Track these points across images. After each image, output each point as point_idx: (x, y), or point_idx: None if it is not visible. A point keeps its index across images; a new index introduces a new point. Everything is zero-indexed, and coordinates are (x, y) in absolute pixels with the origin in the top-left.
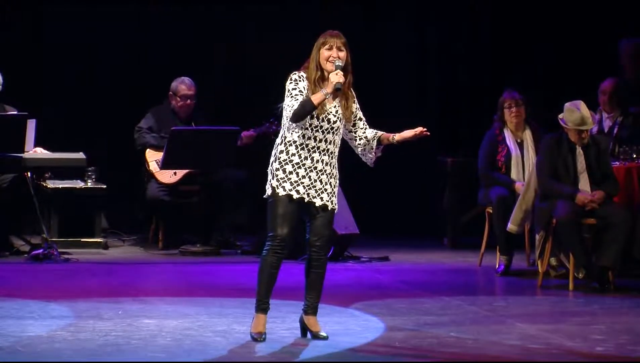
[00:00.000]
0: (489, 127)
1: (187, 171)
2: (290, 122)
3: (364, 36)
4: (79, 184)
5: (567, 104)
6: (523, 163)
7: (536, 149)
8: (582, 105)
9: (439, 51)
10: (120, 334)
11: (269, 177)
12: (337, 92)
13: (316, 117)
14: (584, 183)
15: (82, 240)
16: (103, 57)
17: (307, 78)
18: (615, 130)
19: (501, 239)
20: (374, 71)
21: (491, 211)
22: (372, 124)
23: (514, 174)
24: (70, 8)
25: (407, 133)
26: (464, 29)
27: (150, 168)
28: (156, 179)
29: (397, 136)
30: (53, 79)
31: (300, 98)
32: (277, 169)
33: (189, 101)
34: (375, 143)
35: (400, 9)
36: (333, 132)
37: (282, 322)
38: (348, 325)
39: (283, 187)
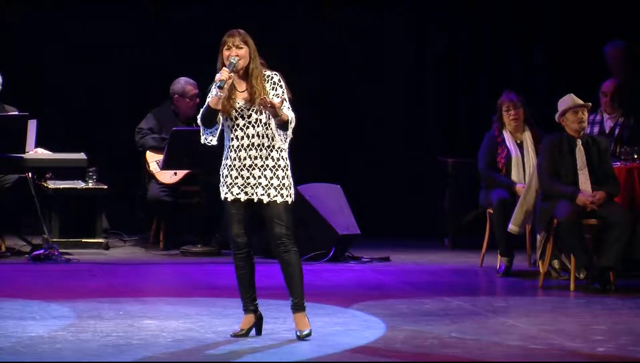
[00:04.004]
0: (489, 128)
1: (187, 171)
2: (202, 128)
3: (363, 37)
4: (80, 184)
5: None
6: (523, 164)
7: (536, 150)
8: (571, 94)
9: (439, 51)
10: (121, 334)
11: None
12: (220, 89)
13: (228, 117)
14: (584, 180)
15: (83, 240)
16: (103, 57)
17: None
18: (617, 131)
19: (501, 241)
20: (374, 71)
21: (492, 211)
22: (372, 123)
23: (514, 176)
24: (70, 8)
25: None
26: (464, 30)
27: (151, 168)
28: (157, 180)
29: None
30: (53, 79)
31: None
32: (220, 176)
33: (197, 100)
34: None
35: (400, 9)
36: (253, 126)
37: (283, 322)
38: (349, 326)
39: (222, 190)
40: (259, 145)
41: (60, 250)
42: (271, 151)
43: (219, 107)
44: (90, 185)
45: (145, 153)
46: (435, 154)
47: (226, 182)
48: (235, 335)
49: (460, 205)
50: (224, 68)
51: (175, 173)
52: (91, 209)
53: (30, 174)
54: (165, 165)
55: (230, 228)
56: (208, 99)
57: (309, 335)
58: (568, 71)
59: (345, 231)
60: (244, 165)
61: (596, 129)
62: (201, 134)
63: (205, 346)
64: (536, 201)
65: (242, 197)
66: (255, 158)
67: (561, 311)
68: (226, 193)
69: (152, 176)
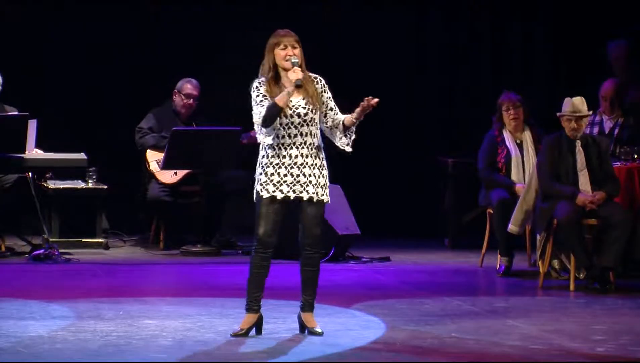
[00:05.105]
0: (489, 128)
1: (187, 171)
2: (260, 129)
3: (363, 37)
4: (80, 184)
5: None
6: (523, 163)
7: (536, 149)
8: (580, 98)
9: (439, 51)
10: (121, 334)
11: (255, 183)
12: (299, 88)
13: (284, 115)
14: (584, 181)
15: (83, 240)
16: (103, 57)
17: (265, 82)
18: (616, 131)
19: (501, 241)
20: (373, 71)
21: (492, 211)
22: (372, 123)
23: (514, 176)
24: (70, 8)
25: (359, 108)
26: (464, 30)
27: (151, 168)
28: (157, 180)
29: (355, 114)
30: (53, 79)
31: (266, 103)
32: (260, 174)
33: (191, 101)
34: (341, 127)
35: (400, 9)
36: (307, 125)
37: (283, 322)
38: (349, 325)
39: (267, 189)
40: (310, 144)
41: (60, 250)
42: (318, 150)
43: (286, 105)
44: (90, 185)
45: (145, 152)
46: (435, 154)
47: (272, 180)
48: (236, 335)
49: (460, 205)
50: (295, 67)
51: (175, 173)
52: (91, 209)
53: (30, 174)
54: (165, 165)
55: (260, 226)
56: (258, 100)
57: (321, 332)
58: (568, 70)
59: (345, 231)
60: (295, 163)
61: (596, 130)
62: (258, 133)
63: (205, 346)
64: (536, 201)
65: (292, 195)
66: (307, 156)
67: (561, 312)
68: (274, 191)
69: (152, 175)
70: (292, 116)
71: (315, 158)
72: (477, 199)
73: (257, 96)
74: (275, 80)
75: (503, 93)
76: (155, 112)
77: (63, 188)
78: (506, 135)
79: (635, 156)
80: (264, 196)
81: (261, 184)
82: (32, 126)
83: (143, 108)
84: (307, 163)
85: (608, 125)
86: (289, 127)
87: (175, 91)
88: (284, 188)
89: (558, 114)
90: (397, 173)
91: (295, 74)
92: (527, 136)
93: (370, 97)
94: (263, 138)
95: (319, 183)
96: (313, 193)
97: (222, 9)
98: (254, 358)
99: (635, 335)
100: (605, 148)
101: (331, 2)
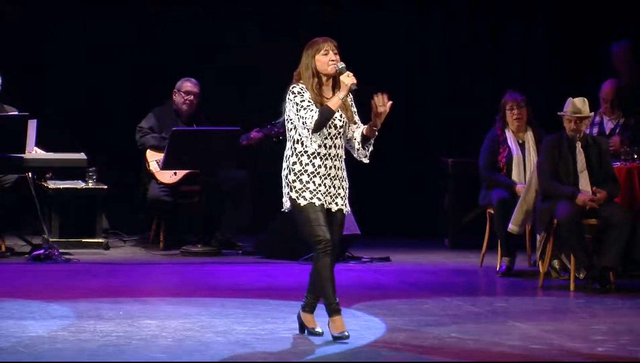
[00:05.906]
0: (490, 128)
1: (187, 171)
2: (310, 133)
3: (363, 37)
4: (80, 184)
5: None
6: (524, 164)
7: (538, 150)
8: (582, 98)
9: (439, 51)
10: (121, 334)
11: (286, 190)
12: (353, 92)
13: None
14: (584, 182)
15: (83, 240)
16: (103, 57)
17: (307, 88)
18: (617, 132)
19: (502, 241)
20: (374, 71)
21: (492, 211)
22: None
23: (514, 176)
24: (70, 8)
25: (374, 114)
26: (464, 30)
27: (151, 168)
28: (156, 180)
29: (372, 121)
30: (53, 79)
31: (313, 108)
32: (294, 181)
33: (192, 97)
34: (360, 138)
35: (400, 9)
36: (339, 137)
37: (283, 322)
38: (349, 326)
39: (304, 197)
40: (340, 156)
41: (60, 250)
42: (344, 163)
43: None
44: (90, 185)
45: (145, 152)
46: (435, 154)
47: (308, 188)
48: (347, 337)
49: (460, 205)
50: (348, 72)
51: (175, 173)
52: (91, 209)
53: (30, 174)
54: (165, 165)
55: (318, 229)
56: (304, 104)
57: (321, 332)
58: (568, 70)
59: (345, 231)
60: (329, 174)
61: (595, 130)
62: (307, 136)
63: (205, 346)
64: (536, 201)
65: (324, 205)
66: (338, 168)
67: (561, 312)
68: (311, 198)
69: (152, 175)
70: (329, 127)
71: (343, 171)
72: (477, 199)
73: (303, 100)
74: (318, 87)
75: (507, 93)
76: (156, 112)
77: (63, 188)
78: (508, 135)
79: (635, 156)
80: (303, 204)
81: (297, 191)
82: (32, 126)
83: (143, 108)
84: (337, 175)
85: (609, 126)
86: (326, 138)
87: (175, 90)
88: (319, 196)
89: (559, 113)
90: (397, 173)
91: (350, 78)
92: (529, 137)
93: (377, 94)
94: (307, 142)
95: (346, 195)
96: (342, 204)
97: (222, 9)
98: (253, 359)
99: (635, 335)
100: (605, 148)
101: (331, 2)
